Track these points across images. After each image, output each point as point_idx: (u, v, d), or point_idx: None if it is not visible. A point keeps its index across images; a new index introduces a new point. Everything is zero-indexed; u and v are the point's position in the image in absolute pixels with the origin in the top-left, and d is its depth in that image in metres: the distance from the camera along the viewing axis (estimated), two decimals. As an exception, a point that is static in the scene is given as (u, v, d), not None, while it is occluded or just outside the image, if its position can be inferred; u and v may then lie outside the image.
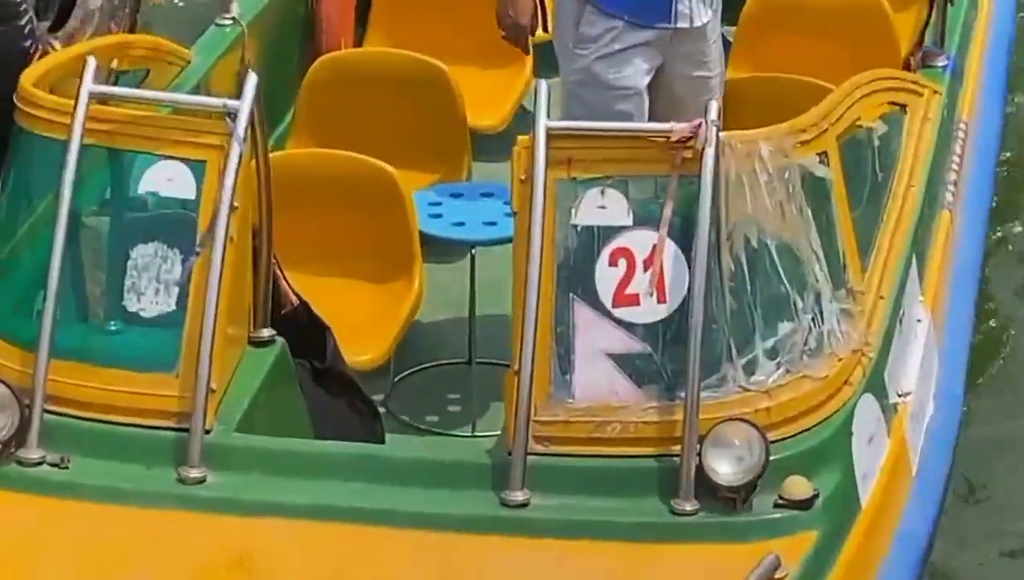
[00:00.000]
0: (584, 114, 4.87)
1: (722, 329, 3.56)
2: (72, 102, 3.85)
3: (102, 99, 3.95)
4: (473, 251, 4.98)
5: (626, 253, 3.57)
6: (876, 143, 4.48)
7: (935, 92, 5.22)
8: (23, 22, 5.44)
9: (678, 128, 3.57)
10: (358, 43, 6.14)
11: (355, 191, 5.13)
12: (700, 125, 3.55)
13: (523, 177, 3.61)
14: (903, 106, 4.89)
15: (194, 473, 3.51)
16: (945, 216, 5.16)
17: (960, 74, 5.79)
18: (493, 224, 4.83)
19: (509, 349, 3.78)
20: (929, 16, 5.82)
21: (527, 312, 3.55)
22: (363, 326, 4.94)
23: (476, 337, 5.01)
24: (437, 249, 5.09)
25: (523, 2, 4.90)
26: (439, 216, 5.01)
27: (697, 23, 4.95)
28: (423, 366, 5.29)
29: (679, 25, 4.94)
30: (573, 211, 3.61)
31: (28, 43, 5.46)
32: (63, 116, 3.90)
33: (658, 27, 4.98)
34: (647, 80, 5.00)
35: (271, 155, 4.37)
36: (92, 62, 3.95)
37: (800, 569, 3.22)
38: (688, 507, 3.30)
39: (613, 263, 3.58)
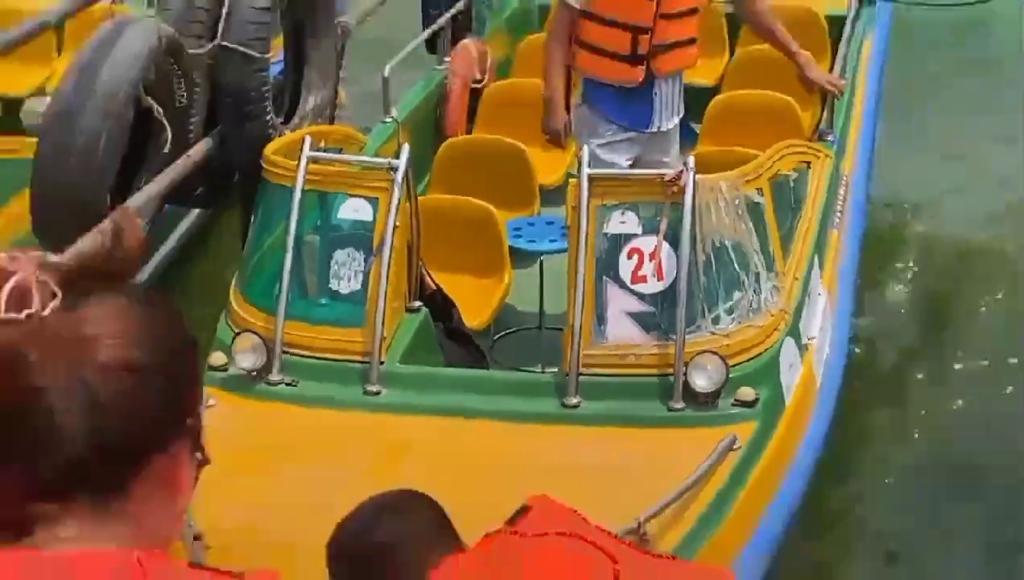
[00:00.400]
0: None
1: (698, 297, 4.51)
2: (296, 163, 4.84)
3: (314, 161, 4.90)
4: (541, 258, 5.56)
5: (638, 251, 4.57)
6: (792, 185, 5.28)
7: (827, 156, 5.70)
8: (267, 119, 6.11)
9: (668, 174, 4.54)
10: (469, 132, 6.64)
11: (469, 220, 5.75)
12: (683, 171, 4.44)
13: (574, 205, 4.54)
14: (808, 163, 5.52)
15: (373, 389, 4.47)
16: (834, 233, 5.67)
17: (843, 144, 6.21)
18: (554, 241, 5.36)
19: (565, 319, 4.61)
20: (822, 110, 6.36)
21: (577, 289, 4.49)
22: (475, 303, 5.48)
23: (544, 312, 5.52)
24: (519, 257, 5.57)
25: (557, 117, 5.42)
26: (520, 236, 5.57)
27: (664, 129, 5.50)
28: (511, 330, 5.76)
29: (651, 130, 5.46)
30: (604, 225, 4.61)
31: (270, 131, 6.09)
32: (291, 172, 4.86)
33: (639, 131, 5.50)
34: (628, 163, 5.41)
35: (419, 198, 5.26)
36: (308, 140, 4.89)
37: (748, 444, 4.24)
38: (678, 406, 4.28)
39: (630, 257, 4.57)
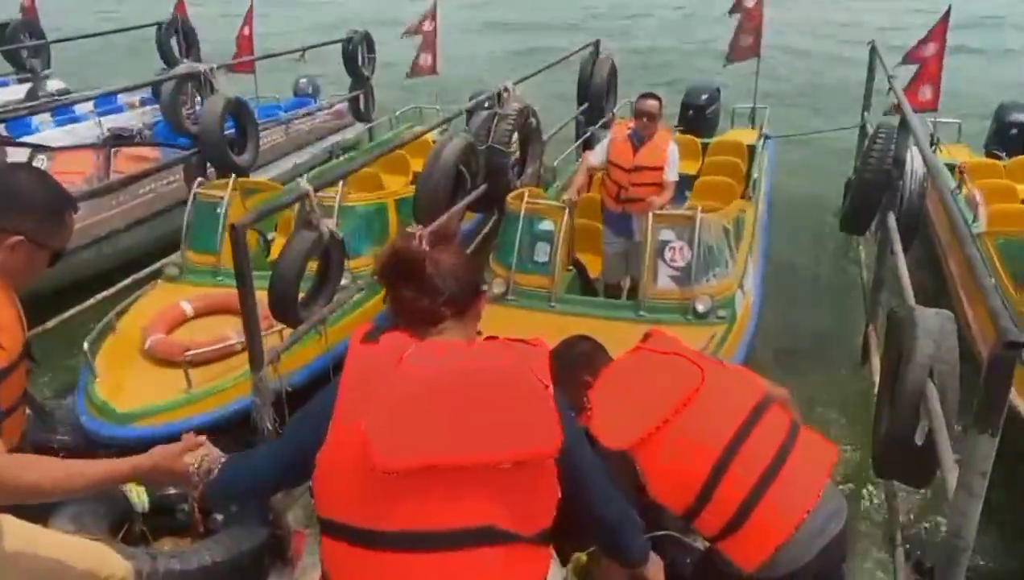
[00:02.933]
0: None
1: (700, 269, 4.98)
2: (521, 202, 5.33)
3: (531, 202, 5.36)
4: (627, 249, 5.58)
5: (672, 247, 5.12)
6: (740, 220, 5.78)
7: (751, 207, 6.22)
8: (509, 178, 6.14)
9: (688, 213, 5.15)
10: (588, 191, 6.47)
11: (588, 230, 5.99)
12: (694, 213, 5.06)
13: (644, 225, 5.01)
14: (744, 209, 6.00)
15: (553, 304, 4.97)
16: (756, 240, 5.97)
17: (756, 202, 6.52)
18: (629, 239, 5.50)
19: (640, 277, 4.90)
20: (746, 187, 6.96)
21: (647, 262, 4.98)
22: (592, 268, 5.84)
23: (627, 283, 5.62)
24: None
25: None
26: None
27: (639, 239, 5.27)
28: (613, 283, 5.82)
29: (636, 240, 5.43)
30: (658, 234, 5.10)
31: (511, 185, 6.06)
32: (519, 205, 5.35)
33: (627, 238, 5.62)
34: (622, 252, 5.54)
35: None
36: (527, 191, 5.45)
37: (722, 333, 4.75)
38: (690, 317, 4.84)
39: (669, 249, 5.10)
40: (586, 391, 2.33)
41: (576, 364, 2.40)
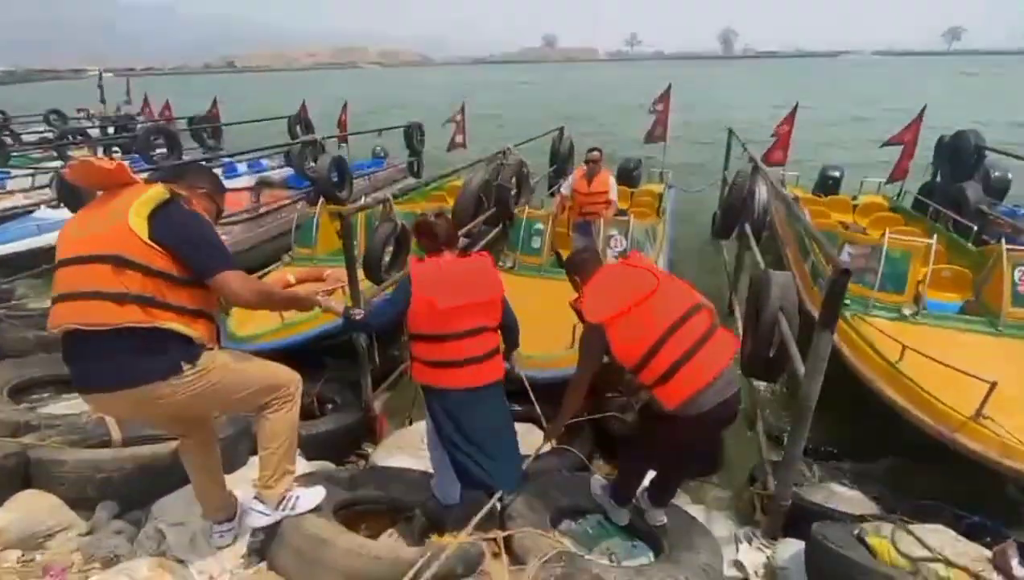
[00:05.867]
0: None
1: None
2: (522, 215, 5.24)
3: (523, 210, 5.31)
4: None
5: (616, 239, 5.01)
6: (653, 228, 5.71)
7: (661, 222, 6.15)
8: (513, 204, 5.85)
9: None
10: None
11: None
12: (628, 218, 5.10)
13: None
14: (657, 223, 5.98)
15: None
16: (665, 242, 5.74)
17: (664, 220, 6.35)
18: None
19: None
20: (658, 214, 6.82)
21: (600, 250, 4.69)
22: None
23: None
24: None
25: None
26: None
27: (594, 235, 5.03)
28: None
29: (592, 236, 5.12)
30: (606, 230, 5.07)
31: (513, 208, 5.78)
32: (521, 217, 5.25)
33: (587, 237, 5.29)
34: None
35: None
36: (527, 211, 5.32)
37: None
38: None
39: (614, 241, 5.04)
40: (579, 283, 2.38)
41: (574, 267, 2.45)
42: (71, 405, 3.11)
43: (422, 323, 2.27)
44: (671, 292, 2.18)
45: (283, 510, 2.08)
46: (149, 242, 1.60)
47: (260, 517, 2.07)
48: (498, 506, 2.33)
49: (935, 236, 4.35)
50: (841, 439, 3.40)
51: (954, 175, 6.09)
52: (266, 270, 5.21)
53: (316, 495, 2.17)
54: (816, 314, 2.26)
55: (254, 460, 2.38)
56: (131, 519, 2.30)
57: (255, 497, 2.09)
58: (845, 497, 2.81)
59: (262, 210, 6.76)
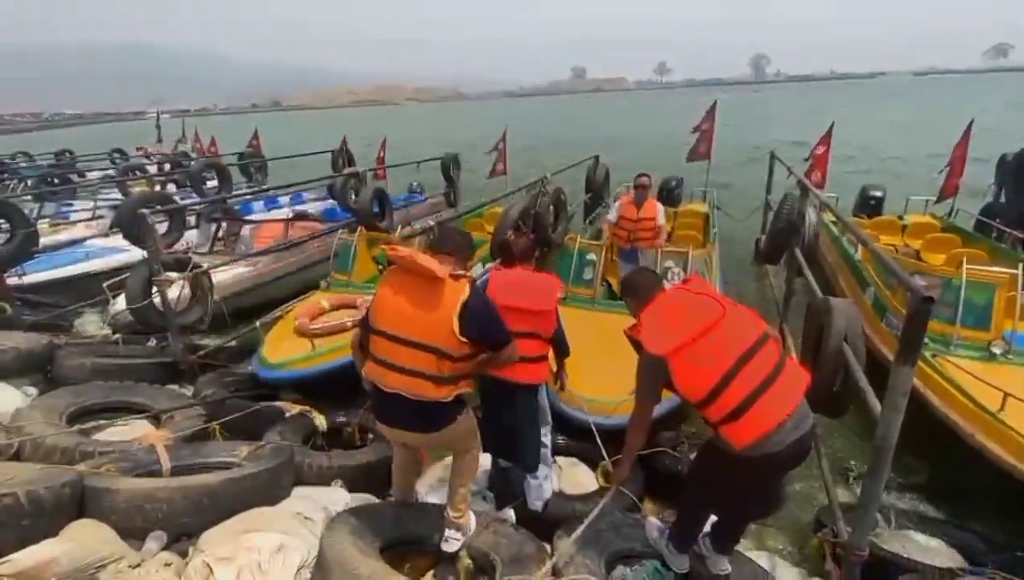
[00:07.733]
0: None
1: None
2: (575, 242, 5.10)
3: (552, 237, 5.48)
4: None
5: (674, 271, 4.91)
6: (709, 257, 5.53)
7: (713, 249, 5.89)
8: (548, 230, 5.74)
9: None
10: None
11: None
12: (686, 250, 5.03)
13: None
14: (710, 252, 5.72)
15: None
16: (717, 272, 5.50)
17: (715, 246, 6.13)
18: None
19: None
20: (705, 236, 6.66)
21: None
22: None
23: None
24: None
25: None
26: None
27: (643, 265, 4.84)
28: None
29: (641, 265, 4.89)
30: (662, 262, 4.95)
31: (552, 235, 5.80)
32: (562, 245, 5.38)
33: (634, 264, 5.15)
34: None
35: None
36: (578, 237, 5.23)
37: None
38: None
39: (671, 273, 4.90)
40: (634, 307, 2.19)
41: (631, 288, 2.28)
42: (123, 431, 3.17)
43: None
44: (738, 321, 2.00)
45: (467, 534, 2.44)
46: (462, 338, 2.07)
47: (455, 543, 2.39)
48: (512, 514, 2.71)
49: (1020, 266, 3.92)
50: (916, 482, 3.17)
51: (1020, 194, 5.82)
52: (303, 297, 5.27)
53: (474, 521, 2.52)
54: (884, 352, 2.02)
55: (297, 491, 2.70)
56: (179, 549, 2.28)
57: (448, 524, 2.42)
58: (926, 546, 2.58)
59: (292, 242, 6.74)
